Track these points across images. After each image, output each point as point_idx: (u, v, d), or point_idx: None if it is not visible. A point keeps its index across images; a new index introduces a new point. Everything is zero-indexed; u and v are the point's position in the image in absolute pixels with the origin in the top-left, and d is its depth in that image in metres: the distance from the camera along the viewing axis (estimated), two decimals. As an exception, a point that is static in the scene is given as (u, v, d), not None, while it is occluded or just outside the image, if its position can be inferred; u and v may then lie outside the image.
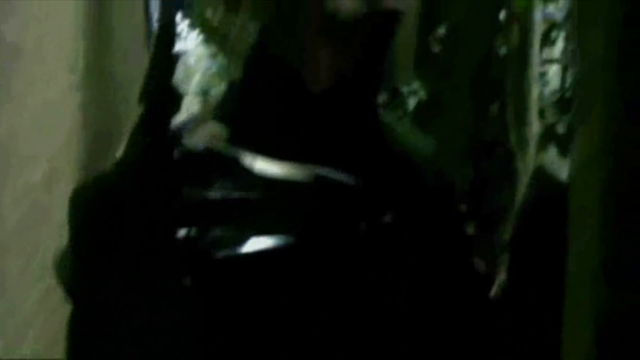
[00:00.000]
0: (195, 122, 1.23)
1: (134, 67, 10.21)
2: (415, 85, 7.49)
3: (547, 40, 9.54)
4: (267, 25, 1.23)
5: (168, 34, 1.05)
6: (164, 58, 1.08)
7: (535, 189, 5.49)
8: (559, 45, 10.29)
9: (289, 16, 1.17)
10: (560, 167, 5.55)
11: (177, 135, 1.08)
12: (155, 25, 14.59)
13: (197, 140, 1.11)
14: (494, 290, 6.58)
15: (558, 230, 3.29)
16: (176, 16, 0.99)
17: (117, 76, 8.14)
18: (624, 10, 2.70)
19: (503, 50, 7.52)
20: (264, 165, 1.08)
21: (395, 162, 1.32)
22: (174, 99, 1.10)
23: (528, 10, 3.94)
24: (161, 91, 1.07)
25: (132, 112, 9.70)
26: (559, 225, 3.25)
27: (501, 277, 6.43)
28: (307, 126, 1.18)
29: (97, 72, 6.49)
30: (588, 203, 2.91)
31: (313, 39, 1.11)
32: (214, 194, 1.09)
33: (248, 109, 1.23)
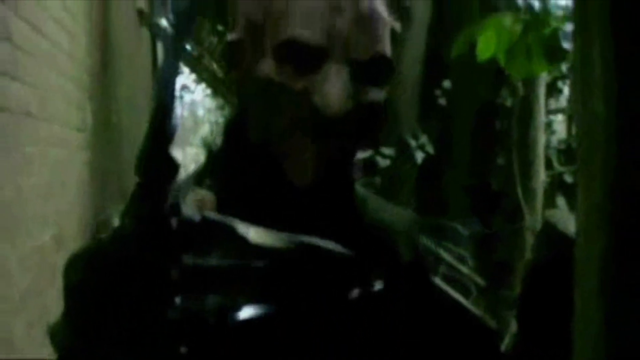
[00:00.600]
0: (186, 187, 1.23)
1: (141, 124, 10.23)
2: (423, 138, 7.53)
3: (552, 91, 9.56)
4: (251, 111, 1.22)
5: (165, 106, 1.05)
6: (161, 129, 1.07)
7: (544, 244, 5.45)
8: (565, 94, 10.30)
9: (271, 106, 1.17)
10: (569, 219, 5.53)
11: (173, 204, 1.09)
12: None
13: (188, 205, 1.11)
14: (504, 346, 6.53)
15: (568, 287, 3.28)
16: (174, 86, 0.97)
17: (125, 134, 8.19)
18: (619, 72, 2.72)
19: (509, 102, 7.56)
20: (256, 234, 1.10)
21: (372, 240, 1.33)
22: (171, 169, 1.10)
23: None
24: (158, 162, 1.07)
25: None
26: (568, 282, 3.24)
27: (511, 332, 6.40)
28: (285, 218, 1.20)
29: (105, 131, 6.54)
30: (591, 259, 2.90)
31: (296, 134, 1.12)
32: (210, 261, 1.10)
33: (228, 184, 1.23)
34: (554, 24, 3.86)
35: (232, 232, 1.16)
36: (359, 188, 1.52)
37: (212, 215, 1.18)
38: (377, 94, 1.30)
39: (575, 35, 3.02)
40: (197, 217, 1.16)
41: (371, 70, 1.29)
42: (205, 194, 1.28)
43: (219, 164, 1.41)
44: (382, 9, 1.32)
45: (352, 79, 1.26)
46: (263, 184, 1.33)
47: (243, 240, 1.17)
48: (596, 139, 2.76)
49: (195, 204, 1.26)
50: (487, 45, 3.89)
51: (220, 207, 1.30)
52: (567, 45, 3.85)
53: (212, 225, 1.16)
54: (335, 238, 1.28)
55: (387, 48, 1.32)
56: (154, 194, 1.22)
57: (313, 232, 1.25)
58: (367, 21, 1.28)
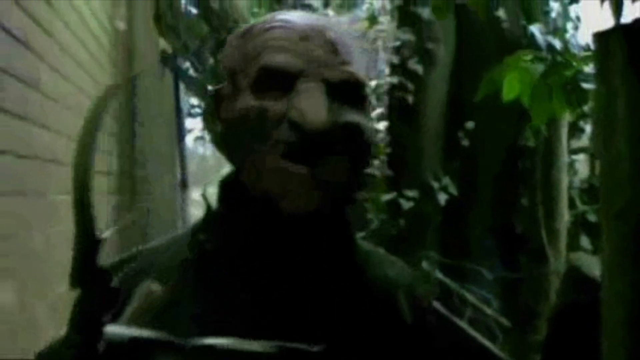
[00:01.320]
0: (135, 280, 1.21)
1: (164, 169, 10.29)
2: (446, 180, 7.52)
3: (574, 130, 9.56)
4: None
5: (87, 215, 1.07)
6: (85, 237, 1.08)
7: (569, 288, 5.42)
8: (587, 133, 10.30)
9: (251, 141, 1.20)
10: (593, 262, 5.49)
11: (102, 324, 1.10)
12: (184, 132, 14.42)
13: (125, 316, 1.11)
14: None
15: (593, 331, 3.27)
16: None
17: (147, 178, 8.22)
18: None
19: (532, 142, 7.55)
20: (227, 342, 1.10)
21: (373, 297, 1.32)
22: (102, 282, 1.11)
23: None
24: (87, 275, 1.08)
25: (162, 212, 9.69)
26: (594, 326, 3.23)
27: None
28: (279, 254, 1.22)
29: (130, 176, 6.57)
30: (617, 297, 2.90)
31: (281, 161, 1.15)
32: None
33: (226, 236, 1.25)
34: (575, 65, 3.87)
35: (168, 346, 1.16)
36: (362, 242, 1.52)
37: (145, 333, 1.17)
38: (353, 116, 1.32)
39: (598, 77, 3.04)
40: (125, 338, 1.15)
41: (344, 91, 1.32)
42: (155, 288, 1.26)
43: (216, 218, 1.41)
44: (355, 38, 1.37)
45: (328, 97, 1.29)
46: (259, 225, 1.34)
47: (188, 349, 1.17)
48: (618, 178, 2.76)
49: (143, 299, 1.25)
50: (512, 86, 3.90)
51: (221, 259, 1.32)
52: (588, 86, 3.85)
53: (141, 345, 1.16)
54: (335, 293, 1.30)
55: (360, 72, 1.35)
56: (85, 311, 1.25)
57: (312, 279, 1.27)
58: (336, 47, 1.32)
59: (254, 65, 1.33)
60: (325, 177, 1.28)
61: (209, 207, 1.43)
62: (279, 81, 1.30)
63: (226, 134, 1.38)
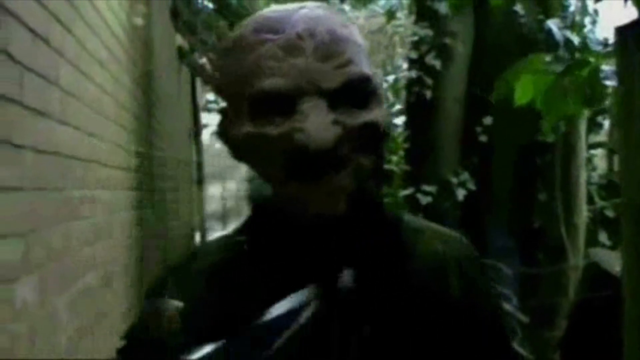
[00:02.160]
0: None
1: (181, 165, 10.30)
2: (464, 175, 7.51)
3: (593, 125, 9.52)
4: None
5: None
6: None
7: (589, 284, 5.41)
8: (605, 128, 10.25)
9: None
10: (612, 257, 5.48)
11: None
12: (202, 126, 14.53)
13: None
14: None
15: (613, 326, 3.26)
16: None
17: (165, 174, 8.23)
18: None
19: (550, 138, 7.52)
20: None
21: (422, 273, 1.34)
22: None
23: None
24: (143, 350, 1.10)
25: (179, 208, 9.71)
26: (613, 321, 3.21)
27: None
28: (320, 261, 1.23)
29: (148, 171, 6.58)
30: (638, 295, 2.88)
31: (290, 187, 1.17)
32: None
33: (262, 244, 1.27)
34: (593, 62, 3.85)
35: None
36: (412, 218, 1.52)
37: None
38: (363, 116, 1.31)
39: (618, 71, 3.02)
40: None
41: (348, 94, 1.30)
42: (172, 308, 1.27)
43: (252, 222, 1.42)
44: (345, 31, 1.34)
45: (332, 108, 1.28)
46: (274, 222, 1.35)
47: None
48: (638, 173, 2.74)
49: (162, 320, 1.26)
50: (525, 90, 3.89)
51: (256, 261, 1.33)
52: (610, 83, 3.83)
53: None
54: (383, 277, 1.31)
55: (359, 69, 1.32)
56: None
57: (356, 267, 1.29)
58: (327, 51, 1.30)
59: (247, 89, 1.32)
60: (344, 184, 1.30)
61: (253, 208, 1.45)
62: (276, 104, 1.29)
63: (236, 154, 1.39)
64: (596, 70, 3.72)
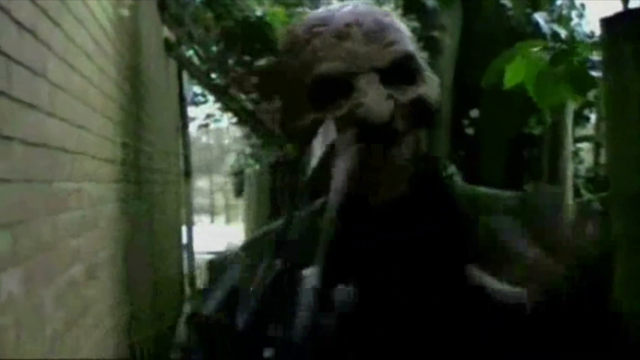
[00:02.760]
0: None
1: (168, 158, 10.30)
2: (451, 168, 7.53)
3: (579, 118, 9.54)
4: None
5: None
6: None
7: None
8: (592, 122, 10.28)
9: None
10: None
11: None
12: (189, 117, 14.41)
13: None
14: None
15: (596, 322, 3.28)
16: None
17: (152, 167, 8.23)
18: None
19: (537, 130, 7.55)
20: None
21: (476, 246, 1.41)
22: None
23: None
24: None
25: (166, 201, 9.71)
26: (598, 317, 3.23)
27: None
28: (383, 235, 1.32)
29: (135, 163, 6.58)
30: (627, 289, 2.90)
31: (355, 166, 1.26)
32: None
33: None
34: (581, 52, 3.86)
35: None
36: (468, 187, 1.60)
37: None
38: (413, 91, 1.40)
39: (606, 63, 3.02)
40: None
41: (396, 72, 1.39)
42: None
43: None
44: (387, 18, 1.44)
45: (384, 84, 1.36)
46: (355, 216, 1.40)
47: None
48: (627, 165, 2.75)
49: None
50: (515, 73, 3.90)
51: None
52: (595, 73, 3.84)
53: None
54: (439, 245, 1.35)
55: (404, 47, 1.42)
56: None
57: (416, 241, 1.40)
58: (374, 35, 1.40)
59: (306, 78, 1.41)
60: (403, 159, 1.38)
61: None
62: (335, 87, 1.38)
63: (305, 142, 1.43)
64: (585, 59, 3.73)
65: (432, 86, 1.46)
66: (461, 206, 1.50)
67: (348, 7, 1.46)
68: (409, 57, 1.42)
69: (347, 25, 1.41)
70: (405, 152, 1.38)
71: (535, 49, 3.89)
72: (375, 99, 1.33)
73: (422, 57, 1.49)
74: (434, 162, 1.55)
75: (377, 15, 1.44)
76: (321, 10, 1.50)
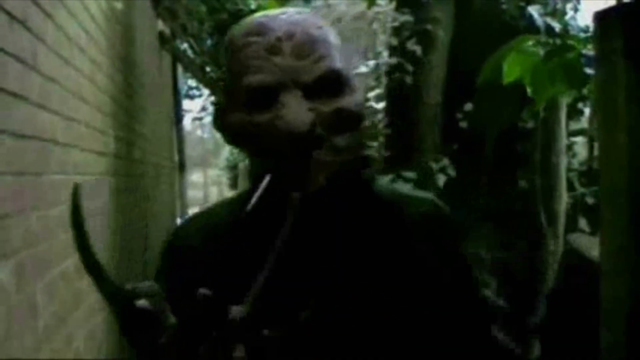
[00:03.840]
0: None
1: (162, 151, 10.28)
2: (444, 161, 7.52)
3: (573, 112, 9.52)
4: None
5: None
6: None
7: (567, 269, 5.44)
8: (585, 116, 10.26)
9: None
10: (591, 243, 5.51)
11: None
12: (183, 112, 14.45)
13: None
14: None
15: (591, 312, 3.28)
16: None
17: (145, 160, 8.22)
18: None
19: (530, 124, 7.54)
20: None
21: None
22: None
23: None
24: None
25: (160, 194, 9.68)
26: (592, 307, 3.23)
27: (534, 356, 6.38)
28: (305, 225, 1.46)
29: (128, 156, 6.57)
30: (618, 300, 2.90)
31: (284, 158, 1.44)
32: None
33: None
34: (575, 46, 3.86)
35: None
36: (385, 183, 1.77)
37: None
38: (336, 102, 1.53)
39: (597, 57, 3.02)
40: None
41: (321, 86, 1.52)
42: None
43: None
44: (319, 32, 1.57)
45: (307, 98, 1.50)
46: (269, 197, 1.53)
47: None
48: (618, 159, 2.75)
49: None
50: (512, 68, 3.90)
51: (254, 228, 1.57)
52: (590, 71, 3.85)
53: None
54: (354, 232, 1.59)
55: (330, 64, 1.55)
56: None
57: (330, 230, 1.57)
58: (303, 48, 1.54)
59: (238, 84, 1.56)
60: (322, 160, 1.51)
61: (252, 180, 1.64)
62: (262, 96, 1.52)
63: (232, 139, 1.63)
64: (579, 55, 3.74)
65: (356, 95, 1.59)
66: (376, 201, 1.67)
67: (284, 16, 1.59)
68: (334, 73, 1.54)
69: (279, 39, 1.53)
70: (325, 154, 1.51)
71: (529, 43, 3.90)
72: (295, 112, 1.48)
73: (348, 67, 1.62)
74: (361, 161, 1.67)
75: (309, 27, 1.56)
76: (260, 16, 1.62)
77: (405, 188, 1.81)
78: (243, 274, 1.41)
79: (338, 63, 1.56)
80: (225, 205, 1.78)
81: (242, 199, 1.64)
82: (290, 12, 1.61)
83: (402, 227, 1.64)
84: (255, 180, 1.62)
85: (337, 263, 1.57)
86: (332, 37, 1.60)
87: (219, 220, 1.70)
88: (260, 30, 1.56)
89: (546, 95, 3.84)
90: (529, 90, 3.94)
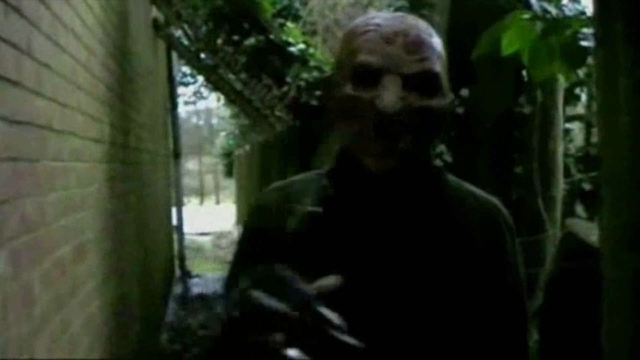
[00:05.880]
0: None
1: (157, 138, 10.25)
2: (441, 147, 7.51)
3: (570, 97, 9.51)
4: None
5: None
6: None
7: (565, 254, 5.43)
8: (583, 101, 10.24)
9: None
10: (589, 228, 5.51)
11: None
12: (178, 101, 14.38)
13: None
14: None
15: (590, 297, 3.26)
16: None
17: (141, 147, 8.20)
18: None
19: (527, 109, 7.53)
20: None
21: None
22: None
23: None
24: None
25: (156, 182, 9.65)
26: (590, 292, 3.22)
27: (533, 341, 6.38)
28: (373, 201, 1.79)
29: (123, 143, 6.56)
30: (621, 281, 2.88)
31: (368, 135, 1.71)
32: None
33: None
34: (573, 26, 3.84)
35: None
36: (456, 179, 1.91)
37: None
38: (425, 102, 1.71)
39: (597, 39, 2.99)
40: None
41: (419, 82, 1.70)
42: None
43: (332, 172, 1.89)
44: (429, 38, 1.76)
45: (404, 88, 1.69)
46: (348, 168, 1.81)
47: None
48: (619, 142, 2.73)
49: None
50: (511, 41, 3.89)
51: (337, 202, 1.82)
52: (587, 44, 3.83)
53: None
54: (429, 226, 1.76)
55: (432, 66, 1.73)
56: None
57: (396, 212, 1.76)
58: (413, 46, 1.72)
59: (351, 62, 1.75)
60: (401, 146, 1.69)
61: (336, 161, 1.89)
62: (369, 76, 1.71)
63: (334, 111, 1.80)
64: (577, 32, 3.74)
65: (445, 102, 1.76)
66: (443, 192, 1.83)
67: (403, 18, 1.79)
68: (432, 74, 1.72)
69: (395, 33, 1.73)
70: (403, 142, 1.69)
71: (526, 16, 3.89)
72: (391, 94, 1.66)
73: (447, 74, 1.78)
74: (431, 161, 1.87)
75: (422, 32, 1.76)
76: (375, 15, 1.82)
77: (471, 186, 1.92)
78: (325, 254, 1.70)
79: (438, 68, 1.73)
80: (308, 182, 1.95)
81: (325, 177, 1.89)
82: (407, 16, 1.81)
83: (464, 221, 1.80)
84: (340, 155, 1.87)
85: (399, 248, 1.73)
86: (439, 46, 1.78)
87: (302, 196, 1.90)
88: (381, 24, 1.76)
89: (545, 72, 3.83)
90: (527, 66, 3.93)
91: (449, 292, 1.72)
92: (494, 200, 1.89)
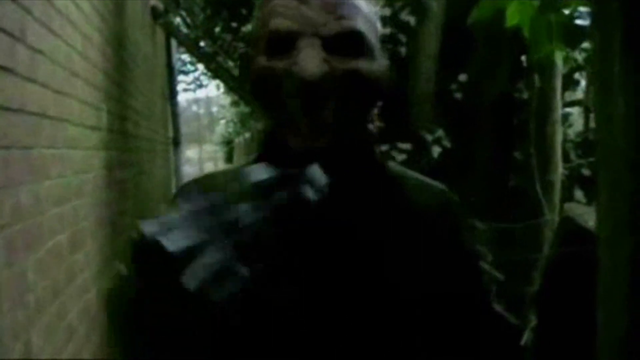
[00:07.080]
0: None
1: (156, 126, 10.24)
2: (439, 132, 7.50)
3: (569, 83, 9.49)
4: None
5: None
6: None
7: (563, 239, 5.43)
8: (581, 86, 10.23)
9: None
10: (587, 213, 5.50)
11: None
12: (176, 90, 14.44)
13: None
14: (524, 341, 6.51)
15: (587, 281, 3.26)
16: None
17: (139, 135, 8.18)
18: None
19: (525, 95, 7.52)
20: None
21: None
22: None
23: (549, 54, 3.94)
24: None
25: (155, 170, 9.66)
26: (588, 276, 3.21)
27: (531, 326, 6.38)
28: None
29: (121, 130, 6.54)
30: (617, 265, 2.88)
31: (290, 105, 1.44)
32: None
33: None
34: (572, 4, 3.84)
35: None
36: (398, 166, 1.73)
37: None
38: (352, 63, 1.52)
39: (593, 21, 2.97)
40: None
41: (340, 43, 1.52)
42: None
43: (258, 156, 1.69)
44: None
45: (325, 51, 1.50)
46: (276, 153, 1.58)
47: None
48: (614, 127, 2.71)
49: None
50: (513, 14, 3.88)
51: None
52: (583, 22, 3.83)
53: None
54: (364, 215, 1.56)
55: (354, 23, 1.54)
56: None
57: (339, 202, 1.50)
58: (330, 5, 1.53)
59: (264, 30, 1.58)
60: (330, 120, 1.50)
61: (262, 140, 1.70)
62: (284, 42, 1.53)
63: (252, 90, 1.61)
64: (574, 10, 3.74)
65: (377, 65, 1.58)
66: (388, 184, 1.65)
67: None
68: (355, 33, 1.54)
69: None
70: (329, 112, 1.50)
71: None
72: (310, 58, 1.48)
73: (378, 37, 1.63)
74: (372, 140, 1.69)
75: None
76: None
77: (416, 174, 1.74)
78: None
79: (361, 26, 1.56)
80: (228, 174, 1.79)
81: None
82: None
83: (411, 212, 1.62)
84: (266, 137, 1.68)
85: (344, 242, 1.56)
86: (367, 7, 1.61)
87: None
88: None
89: (544, 49, 3.82)
90: (527, 36, 3.92)
91: (399, 283, 1.54)
92: (440, 186, 1.72)
